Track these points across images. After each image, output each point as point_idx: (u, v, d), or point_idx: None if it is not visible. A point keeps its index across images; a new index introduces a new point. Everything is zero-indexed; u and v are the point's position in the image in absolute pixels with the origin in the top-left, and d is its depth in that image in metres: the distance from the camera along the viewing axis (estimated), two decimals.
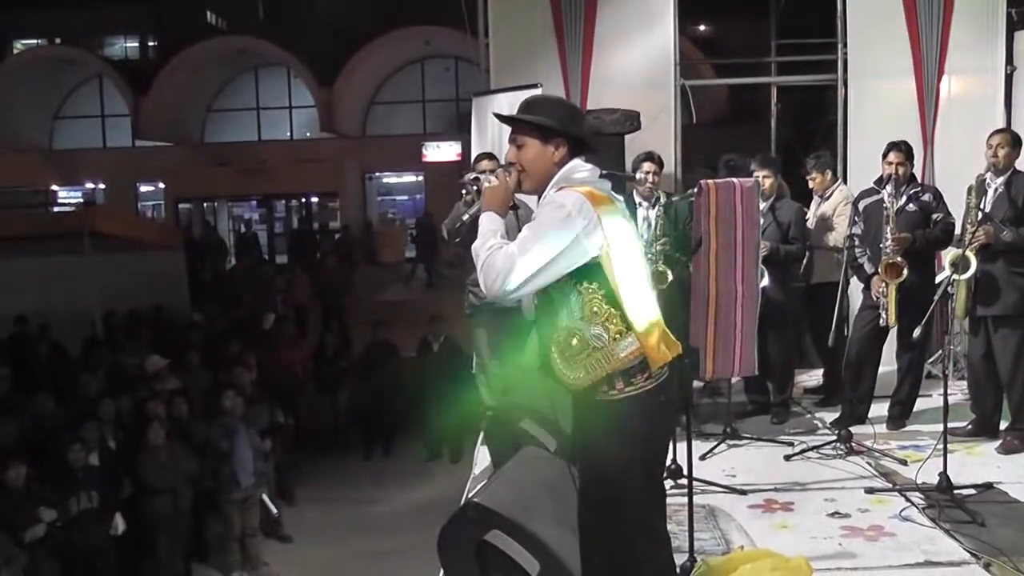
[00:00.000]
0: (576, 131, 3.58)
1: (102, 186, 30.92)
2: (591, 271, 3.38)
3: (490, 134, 8.43)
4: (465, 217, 3.70)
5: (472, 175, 7.11)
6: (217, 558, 10.15)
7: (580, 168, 3.53)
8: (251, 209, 32.40)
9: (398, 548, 9.89)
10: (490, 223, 3.47)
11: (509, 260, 3.30)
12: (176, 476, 9.57)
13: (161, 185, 30.84)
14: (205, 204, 31.42)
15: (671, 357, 3.49)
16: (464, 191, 7.14)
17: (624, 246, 3.44)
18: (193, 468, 9.76)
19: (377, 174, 31.62)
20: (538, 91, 7.80)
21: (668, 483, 5.46)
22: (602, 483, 3.44)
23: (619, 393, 3.40)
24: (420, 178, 30.12)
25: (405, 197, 32.21)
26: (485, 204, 3.54)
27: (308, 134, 30.34)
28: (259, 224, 31.91)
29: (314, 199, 31.68)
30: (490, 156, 7.38)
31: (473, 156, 7.65)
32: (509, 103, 8.12)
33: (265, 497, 10.54)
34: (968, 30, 8.65)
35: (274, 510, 10.79)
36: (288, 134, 31.10)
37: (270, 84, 30.81)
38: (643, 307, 3.46)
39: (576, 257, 3.35)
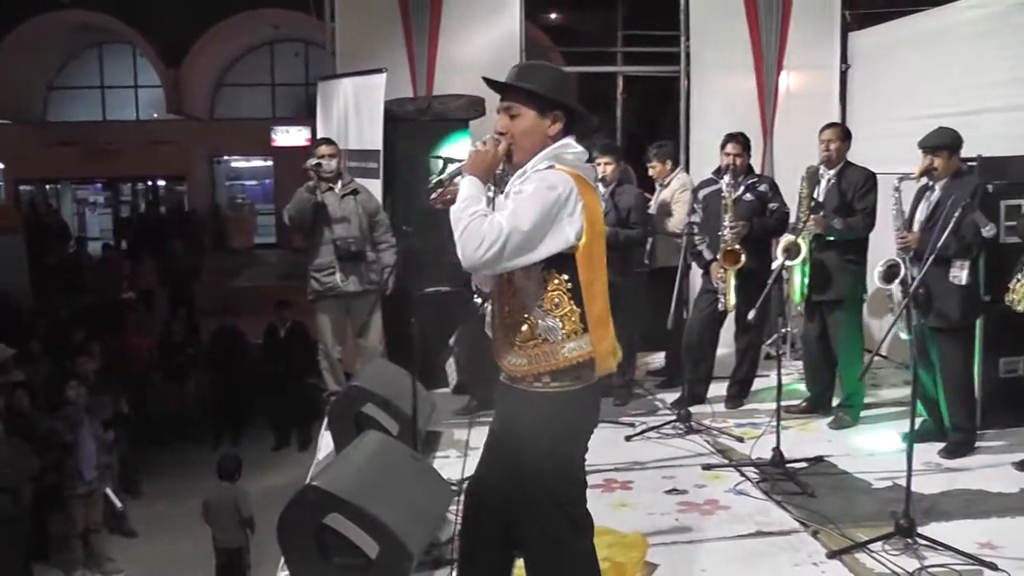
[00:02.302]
0: (575, 105, 3.34)
1: None
2: (564, 261, 3.20)
3: (335, 119, 8.34)
4: (444, 176, 3.37)
5: (313, 161, 7.10)
6: (59, 556, 9.81)
7: (572, 147, 3.31)
8: (96, 192, 31.34)
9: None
10: (472, 188, 3.19)
11: (496, 230, 3.06)
12: (17, 473, 9.12)
13: (0, 166, 29.52)
14: (48, 186, 30.22)
15: (615, 367, 3.40)
16: (308, 177, 7.10)
17: (598, 240, 3.29)
18: (35, 464, 9.39)
19: (226, 158, 30.96)
20: (383, 76, 7.78)
21: None
22: (529, 474, 3.29)
23: (558, 387, 3.26)
24: (270, 163, 29.58)
25: (254, 182, 31.60)
26: (469, 167, 3.26)
27: (155, 115, 29.39)
28: (104, 208, 30.88)
29: (161, 182, 30.80)
30: (328, 141, 7.35)
31: None
32: (355, 88, 8.07)
33: (109, 491, 10.24)
34: (806, 29, 9.06)
35: (119, 504, 10.49)
36: (134, 115, 30.09)
37: (115, 62, 29.65)
38: (603, 309, 3.31)
39: (557, 243, 3.16)
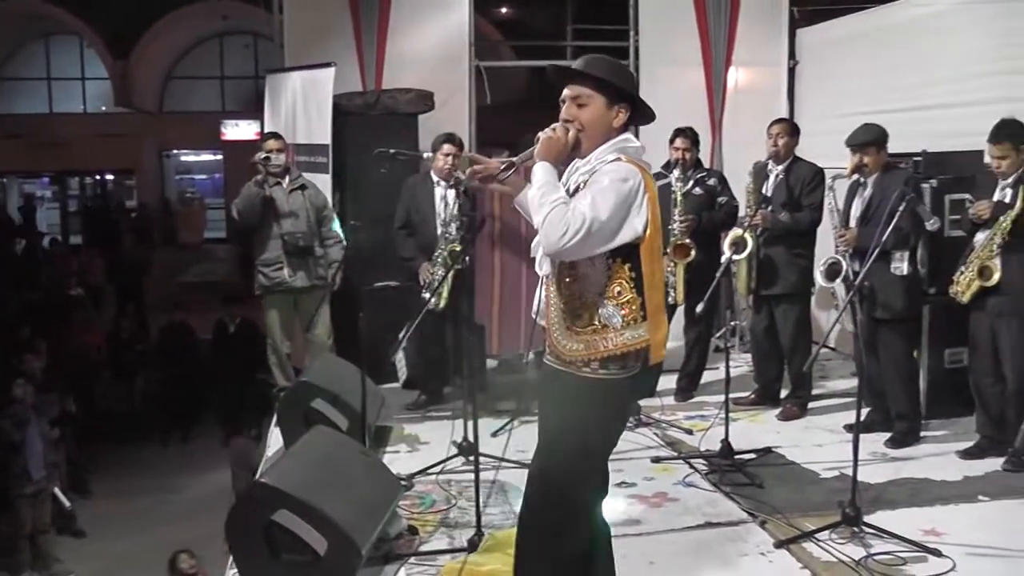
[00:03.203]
0: (641, 99, 3.39)
1: None
2: (629, 251, 3.25)
3: (284, 113, 8.27)
4: (516, 159, 3.38)
5: (262, 155, 7.05)
6: (7, 558, 9.68)
7: (633, 141, 3.36)
8: (43, 186, 30.83)
9: (198, 536, 9.64)
10: (547, 174, 3.25)
11: (580, 219, 3.09)
12: None
13: None
14: None
15: (664, 356, 3.43)
16: (257, 172, 7.05)
17: (658, 232, 3.33)
18: None
19: (175, 152, 30.61)
20: (331, 70, 7.73)
21: (459, 460, 5.56)
22: (552, 455, 3.38)
23: (604, 373, 3.29)
24: (219, 157, 29.28)
25: (204, 176, 31.29)
26: (540, 153, 3.29)
27: (103, 108, 28.95)
28: (52, 202, 30.38)
29: (110, 176, 30.40)
30: (276, 136, 7.31)
31: None
32: (303, 82, 8.01)
33: (57, 491, 10.13)
34: (754, 25, 9.16)
35: (67, 504, 10.39)
36: (82, 107, 29.63)
37: (62, 53, 29.16)
38: (660, 299, 3.38)
39: (628, 234, 3.21)
